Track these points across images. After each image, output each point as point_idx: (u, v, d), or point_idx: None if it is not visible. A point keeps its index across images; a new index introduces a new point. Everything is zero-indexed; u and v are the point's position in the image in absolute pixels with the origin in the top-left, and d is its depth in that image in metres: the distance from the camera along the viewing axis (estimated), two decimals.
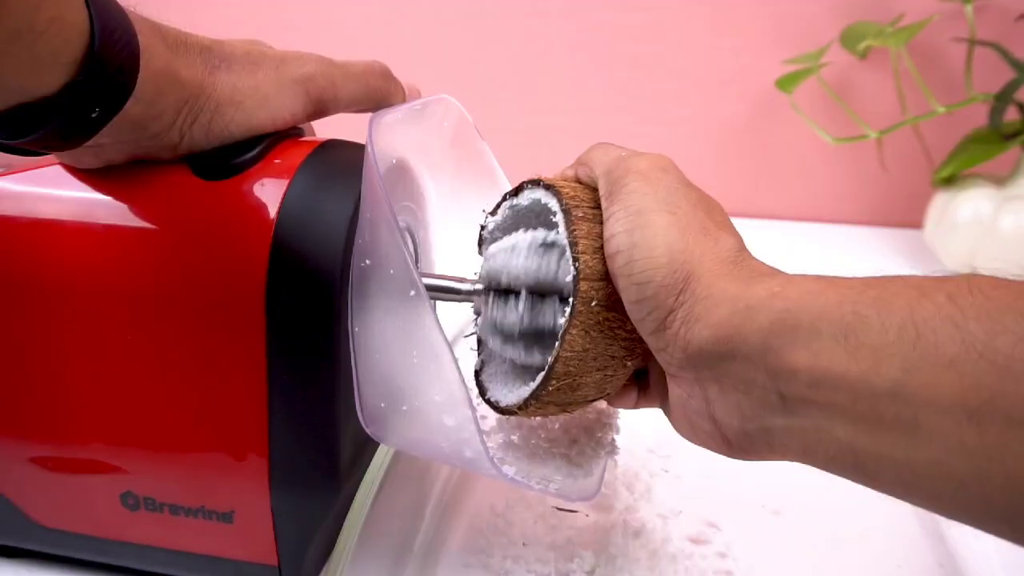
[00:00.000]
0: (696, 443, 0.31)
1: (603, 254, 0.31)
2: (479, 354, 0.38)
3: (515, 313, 0.33)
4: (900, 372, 0.23)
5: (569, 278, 0.31)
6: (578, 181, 0.34)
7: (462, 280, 0.35)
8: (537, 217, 0.35)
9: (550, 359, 0.31)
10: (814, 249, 0.83)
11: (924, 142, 0.77)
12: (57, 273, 0.34)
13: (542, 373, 0.32)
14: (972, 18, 0.74)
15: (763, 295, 0.26)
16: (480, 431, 0.29)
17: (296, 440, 0.35)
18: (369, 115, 0.33)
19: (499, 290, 0.34)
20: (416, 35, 0.91)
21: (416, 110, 0.39)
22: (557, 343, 0.31)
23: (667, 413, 0.33)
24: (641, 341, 0.32)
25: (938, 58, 0.80)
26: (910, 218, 0.83)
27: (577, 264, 0.30)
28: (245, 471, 0.35)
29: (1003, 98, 0.70)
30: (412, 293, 0.29)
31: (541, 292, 0.33)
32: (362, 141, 0.32)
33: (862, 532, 0.43)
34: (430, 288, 0.35)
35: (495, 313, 0.34)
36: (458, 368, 0.29)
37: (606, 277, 0.31)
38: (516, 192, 0.35)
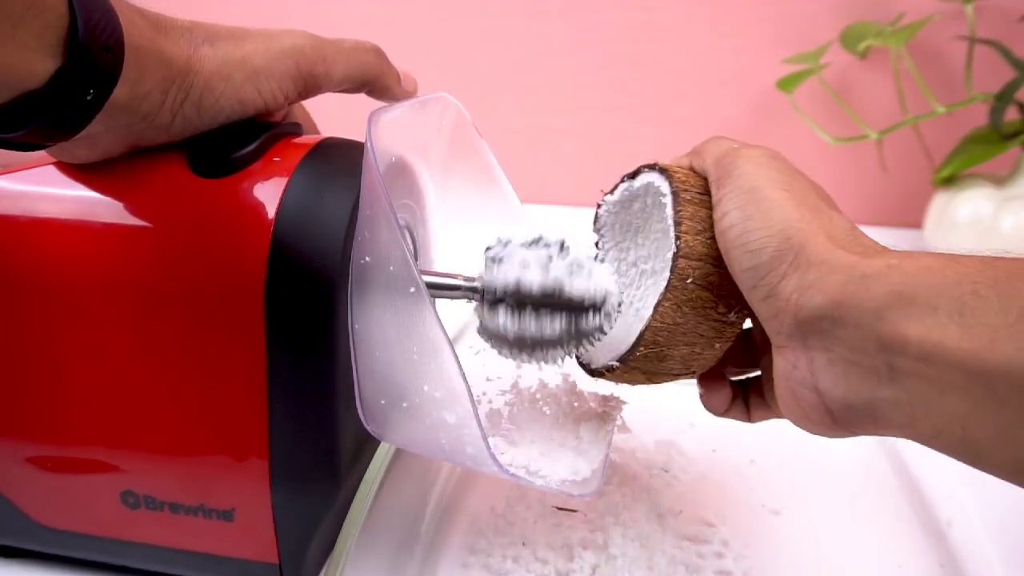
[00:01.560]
0: (798, 419, 0.31)
1: (705, 237, 0.32)
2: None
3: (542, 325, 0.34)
4: (1015, 351, 0.23)
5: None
6: (691, 169, 0.35)
7: (462, 277, 0.35)
8: (649, 199, 0.37)
9: (640, 327, 0.33)
10: None
11: (924, 142, 0.77)
12: (56, 272, 0.34)
13: (633, 340, 0.33)
14: (972, 18, 0.74)
15: (880, 266, 0.26)
16: (481, 427, 0.29)
17: (296, 438, 0.35)
18: (367, 111, 0.33)
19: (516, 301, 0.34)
20: (416, 35, 0.91)
21: (415, 108, 0.39)
22: (650, 312, 0.33)
23: (770, 390, 0.34)
24: (732, 325, 0.33)
25: (938, 58, 0.80)
26: (910, 218, 0.83)
27: (679, 242, 0.32)
28: (245, 469, 0.35)
29: (1003, 98, 0.70)
30: (412, 290, 0.29)
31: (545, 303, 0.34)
32: (361, 139, 0.32)
33: (862, 532, 0.43)
34: (430, 285, 0.35)
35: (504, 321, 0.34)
36: (459, 364, 0.29)
37: (704, 258, 0.32)
38: (633, 175, 0.37)
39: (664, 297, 0.32)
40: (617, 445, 0.48)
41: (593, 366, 0.37)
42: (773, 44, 0.83)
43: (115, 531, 0.38)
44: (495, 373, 0.43)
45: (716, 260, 0.32)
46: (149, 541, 0.38)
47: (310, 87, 0.37)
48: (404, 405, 0.32)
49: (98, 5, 0.28)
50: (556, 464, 0.36)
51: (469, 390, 0.29)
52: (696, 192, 0.33)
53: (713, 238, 0.32)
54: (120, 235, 0.34)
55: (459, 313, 0.40)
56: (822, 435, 0.30)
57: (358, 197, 0.34)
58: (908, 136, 0.77)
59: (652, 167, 0.36)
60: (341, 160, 0.36)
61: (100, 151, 0.34)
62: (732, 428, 0.40)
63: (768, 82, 0.81)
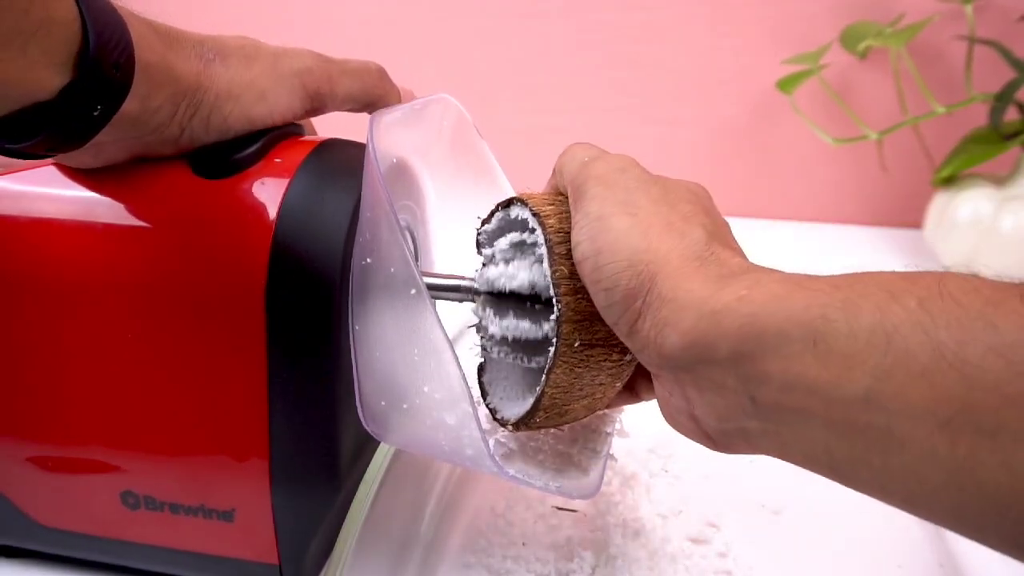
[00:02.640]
0: (683, 435, 0.31)
1: (585, 293, 0.30)
2: (480, 355, 0.38)
3: (512, 323, 0.33)
4: (871, 379, 0.23)
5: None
6: (556, 192, 0.34)
7: (462, 278, 0.35)
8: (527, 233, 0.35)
9: (537, 391, 0.32)
10: (814, 249, 0.83)
11: (924, 142, 0.77)
12: (57, 273, 0.34)
13: (532, 398, 0.32)
14: (972, 18, 0.74)
15: (729, 299, 0.26)
16: (481, 429, 0.29)
17: (297, 439, 0.35)
18: (367, 115, 0.33)
19: (498, 297, 0.34)
20: (416, 35, 0.91)
21: (416, 109, 0.39)
22: (543, 378, 0.31)
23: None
24: (629, 365, 0.33)
25: (938, 58, 0.80)
26: (910, 218, 0.83)
27: (560, 307, 0.31)
28: (245, 470, 0.35)
29: (1003, 98, 0.70)
30: (412, 291, 0.29)
31: (538, 299, 0.33)
32: (362, 141, 0.32)
33: (862, 532, 0.43)
34: (430, 287, 0.35)
35: (498, 323, 0.34)
36: (459, 366, 0.29)
37: (589, 317, 0.31)
38: (507, 205, 0.35)
39: (554, 364, 0.31)
40: (617, 445, 0.48)
41: (499, 416, 0.36)
42: (773, 44, 0.83)
43: (115, 531, 0.38)
44: None
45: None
46: (149, 541, 0.38)
47: (316, 106, 0.38)
48: (404, 406, 0.32)
49: (110, 22, 0.28)
50: (556, 465, 0.36)
51: (469, 392, 0.29)
52: (567, 242, 0.31)
53: None
54: (121, 236, 0.34)
55: (459, 313, 0.40)
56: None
57: (359, 198, 0.34)
58: (908, 136, 0.77)
59: (523, 203, 0.33)
60: (342, 161, 0.36)
61: (104, 159, 0.34)
62: None
63: (768, 82, 0.81)
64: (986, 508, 0.21)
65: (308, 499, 0.36)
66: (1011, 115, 0.71)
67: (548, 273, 0.31)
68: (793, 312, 0.24)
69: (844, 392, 0.23)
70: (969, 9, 0.74)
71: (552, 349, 0.31)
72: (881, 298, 0.23)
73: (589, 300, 0.30)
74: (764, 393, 0.25)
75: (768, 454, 0.28)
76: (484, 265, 0.35)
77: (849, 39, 0.78)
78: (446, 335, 0.29)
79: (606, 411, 0.40)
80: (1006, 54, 0.71)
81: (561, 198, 0.33)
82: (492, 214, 0.36)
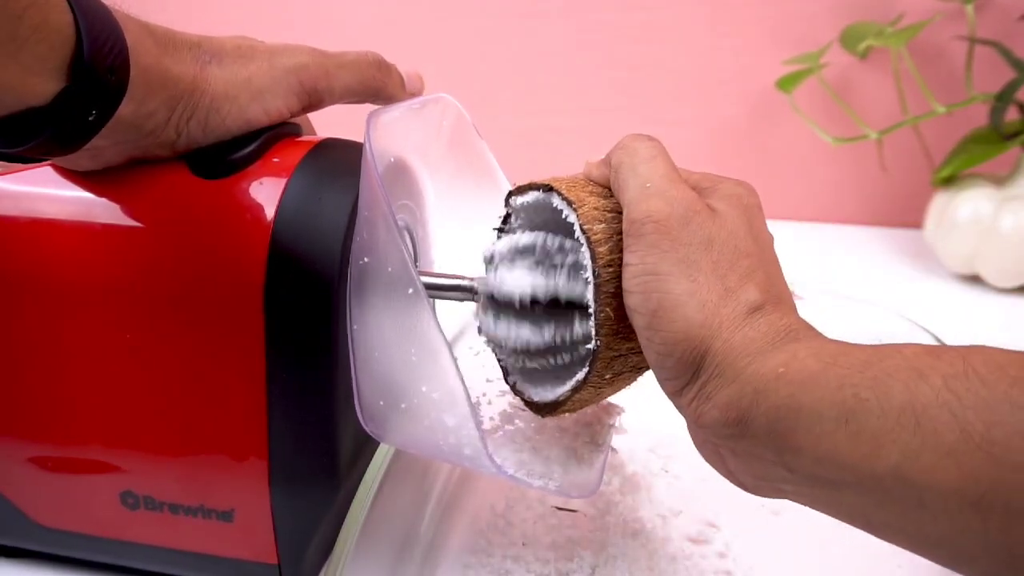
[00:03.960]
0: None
1: (620, 327, 0.31)
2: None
3: (527, 333, 0.33)
4: (900, 457, 0.23)
5: (579, 281, 0.32)
6: (608, 190, 0.33)
7: (461, 278, 0.35)
8: (563, 229, 0.34)
9: (561, 397, 0.33)
10: (814, 249, 0.83)
11: (924, 142, 0.76)
12: (55, 273, 0.34)
13: (552, 397, 0.34)
14: (972, 18, 0.74)
15: (769, 377, 0.27)
16: (479, 428, 0.29)
17: (295, 439, 0.35)
18: (366, 111, 0.33)
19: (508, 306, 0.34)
20: (416, 35, 0.91)
21: (415, 109, 0.39)
22: (567, 391, 0.32)
23: None
24: None
25: (938, 58, 0.80)
26: (910, 218, 0.83)
27: (599, 344, 0.31)
28: (245, 470, 0.35)
29: (1003, 98, 0.70)
30: (410, 291, 0.29)
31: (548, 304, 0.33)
32: (360, 140, 0.32)
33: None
34: (428, 286, 0.35)
35: (507, 331, 0.34)
36: (457, 366, 0.29)
37: (625, 352, 0.32)
38: (547, 189, 0.33)
39: (584, 384, 0.32)
40: (617, 446, 0.48)
41: (527, 399, 0.36)
42: (773, 44, 0.83)
43: (114, 531, 0.38)
44: (495, 374, 0.43)
45: (636, 348, 0.31)
46: (148, 541, 0.38)
47: (313, 102, 0.38)
48: (403, 406, 0.32)
49: (105, 27, 0.28)
50: (555, 465, 0.36)
51: (467, 392, 0.29)
52: (617, 279, 0.30)
53: None
54: (119, 236, 0.34)
55: (459, 313, 0.40)
56: None
57: (357, 198, 0.34)
58: (908, 136, 0.77)
59: (570, 205, 0.31)
60: (340, 161, 0.36)
61: (102, 162, 0.34)
62: None
63: (768, 82, 0.81)
64: None
65: (307, 499, 0.36)
66: (1011, 115, 0.71)
67: (591, 303, 0.31)
68: (827, 391, 0.25)
69: (874, 468, 0.24)
70: (969, 9, 0.74)
71: (582, 376, 0.32)
72: (909, 377, 0.24)
73: (626, 337, 0.31)
74: (798, 464, 0.26)
75: (807, 506, 0.29)
76: (488, 264, 0.35)
77: (849, 39, 0.78)
78: (444, 335, 0.29)
79: (605, 412, 0.40)
80: (1006, 54, 0.71)
81: (612, 212, 0.31)
82: (525, 189, 0.34)
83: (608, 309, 0.30)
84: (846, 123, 0.80)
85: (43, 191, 0.35)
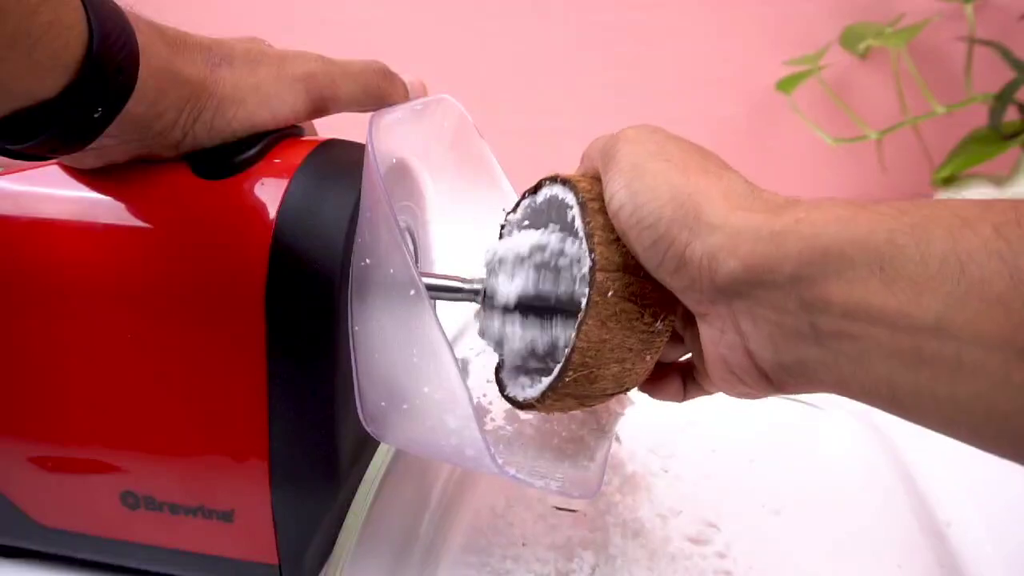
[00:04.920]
0: (733, 386, 0.30)
1: (619, 245, 0.31)
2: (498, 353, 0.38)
3: (523, 331, 0.34)
4: (943, 307, 0.22)
5: (578, 283, 0.32)
6: (591, 177, 0.34)
7: (462, 279, 0.35)
8: (554, 213, 0.35)
9: (567, 350, 0.31)
10: None
11: (924, 142, 0.77)
12: (56, 273, 0.34)
13: (559, 365, 0.32)
14: (972, 18, 0.74)
15: (788, 221, 0.25)
16: (481, 428, 0.29)
17: (296, 439, 0.35)
18: (369, 114, 0.33)
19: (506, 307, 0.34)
20: (416, 35, 0.91)
21: (416, 110, 0.39)
22: (574, 334, 0.31)
23: (703, 365, 0.32)
24: (659, 335, 0.32)
25: (938, 58, 0.80)
26: None
27: (593, 255, 0.31)
28: (245, 470, 0.35)
29: (1003, 98, 0.70)
30: (412, 292, 0.29)
31: (548, 308, 0.33)
32: (362, 141, 0.32)
33: (862, 532, 0.43)
34: (430, 287, 0.35)
35: (507, 329, 0.34)
36: (458, 367, 0.29)
37: (622, 268, 0.31)
38: (535, 190, 0.35)
39: (587, 314, 0.30)
40: (617, 446, 0.48)
41: (521, 399, 0.35)
42: (773, 45, 0.83)
43: (115, 531, 0.38)
44: None
45: (635, 269, 0.31)
46: (149, 542, 0.38)
47: (319, 109, 0.38)
48: (404, 407, 0.32)
49: (116, 26, 0.28)
50: (556, 465, 0.36)
51: (469, 393, 0.29)
52: (601, 201, 0.32)
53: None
54: (121, 236, 0.34)
55: (459, 314, 0.40)
56: (758, 398, 0.30)
57: (359, 199, 0.34)
58: (908, 136, 0.77)
59: (554, 179, 0.34)
60: (342, 162, 0.36)
61: (106, 159, 0.34)
62: (732, 428, 0.40)
63: (768, 82, 0.81)
64: None
65: (308, 499, 0.36)
66: (1011, 115, 0.71)
67: (580, 227, 0.31)
68: (857, 235, 0.24)
69: (912, 321, 0.23)
70: (969, 9, 0.74)
71: (584, 300, 0.31)
72: (953, 223, 0.23)
73: (623, 252, 0.31)
74: (826, 320, 0.25)
75: (826, 389, 0.27)
76: (488, 265, 0.35)
77: (849, 39, 0.78)
78: (445, 336, 0.29)
79: (605, 413, 0.40)
80: (1006, 54, 0.71)
81: (592, 178, 0.33)
82: (518, 204, 0.36)
83: (596, 219, 0.31)
84: (846, 123, 0.80)
85: (44, 191, 0.35)
